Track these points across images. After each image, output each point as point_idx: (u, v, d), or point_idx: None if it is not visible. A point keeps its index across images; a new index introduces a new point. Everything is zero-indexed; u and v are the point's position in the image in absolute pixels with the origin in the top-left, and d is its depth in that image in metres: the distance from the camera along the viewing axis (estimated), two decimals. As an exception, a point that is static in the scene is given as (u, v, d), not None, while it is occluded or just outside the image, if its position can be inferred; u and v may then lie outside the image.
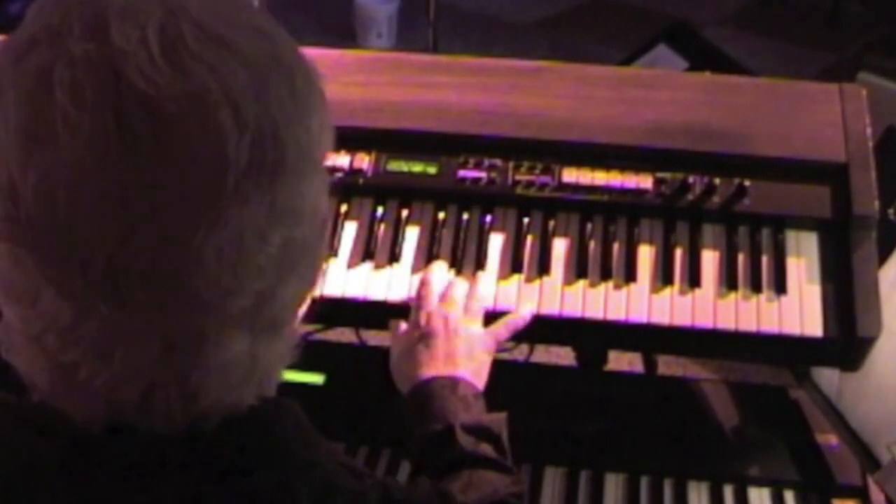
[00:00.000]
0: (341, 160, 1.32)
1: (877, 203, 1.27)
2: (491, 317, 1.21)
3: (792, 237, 1.29)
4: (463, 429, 1.01)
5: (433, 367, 1.10)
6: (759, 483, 1.30)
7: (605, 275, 1.26)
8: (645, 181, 1.30)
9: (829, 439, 1.35)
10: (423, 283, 1.22)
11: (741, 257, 1.27)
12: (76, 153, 0.56)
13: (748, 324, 1.22)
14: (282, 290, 0.64)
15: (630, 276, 1.26)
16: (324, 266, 0.72)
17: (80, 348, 0.60)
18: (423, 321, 1.16)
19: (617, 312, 1.23)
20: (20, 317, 0.62)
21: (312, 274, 0.69)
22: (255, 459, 0.67)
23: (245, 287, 0.61)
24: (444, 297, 1.19)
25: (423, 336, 1.14)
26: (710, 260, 1.27)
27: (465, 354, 1.12)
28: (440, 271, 1.24)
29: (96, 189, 0.56)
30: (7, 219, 0.58)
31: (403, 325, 1.20)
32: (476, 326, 1.18)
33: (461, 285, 1.21)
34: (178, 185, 0.57)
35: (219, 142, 0.57)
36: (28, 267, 0.59)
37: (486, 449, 1.01)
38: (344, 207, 1.32)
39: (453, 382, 1.08)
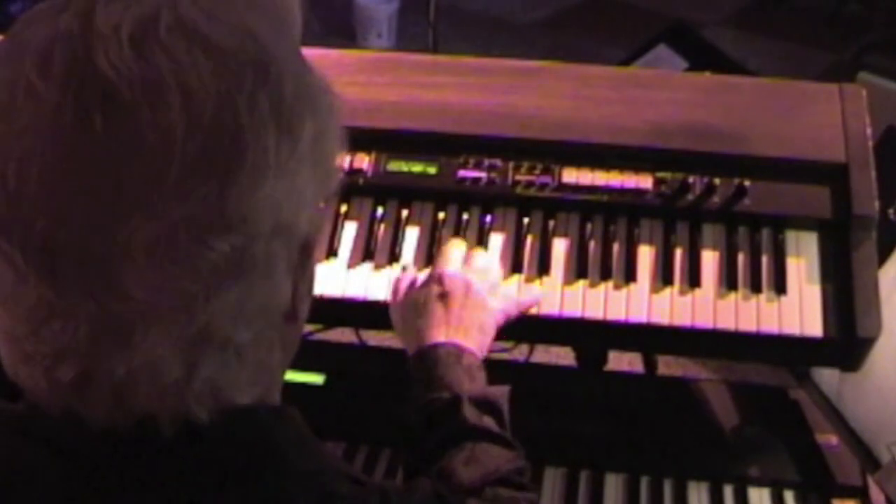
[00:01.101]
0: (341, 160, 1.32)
1: (877, 203, 1.27)
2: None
3: (792, 237, 1.29)
4: (469, 400, 1.01)
5: (442, 331, 1.09)
6: (759, 483, 1.30)
7: (605, 275, 1.26)
8: (645, 181, 1.30)
9: (829, 439, 1.35)
10: (449, 245, 1.20)
11: (741, 257, 1.27)
12: (32, 122, 0.57)
13: (748, 324, 1.22)
14: (218, 299, 0.61)
15: (630, 276, 1.26)
16: (306, 297, 0.71)
17: (17, 318, 0.61)
18: (446, 280, 1.14)
19: (617, 312, 1.23)
20: None
21: (268, 293, 0.65)
22: (253, 467, 0.66)
23: (173, 286, 0.59)
24: (468, 262, 1.18)
25: (442, 295, 1.12)
26: (710, 260, 1.27)
27: (476, 326, 1.11)
28: (461, 245, 1.23)
29: (44, 161, 0.57)
30: None
31: (408, 278, 1.19)
32: (493, 299, 1.16)
33: (483, 255, 1.20)
34: (118, 169, 0.57)
35: (166, 132, 0.57)
36: None
37: (489, 422, 1.01)
38: (344, 207, 1.32)
39: (459, 351, 1.07)
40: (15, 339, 0.62)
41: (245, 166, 0.59)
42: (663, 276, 1.26)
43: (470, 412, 1.00)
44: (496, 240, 1.29)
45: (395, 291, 1.19)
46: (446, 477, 0.94)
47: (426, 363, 1.07)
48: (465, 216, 1.31)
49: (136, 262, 0.58)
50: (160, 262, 0.58)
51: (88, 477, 0.64)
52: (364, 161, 1.32)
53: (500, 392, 1.05)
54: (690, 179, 1.30)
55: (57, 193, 0.57)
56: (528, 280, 1.26)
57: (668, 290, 1.25)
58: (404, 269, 1.23)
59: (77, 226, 0.57)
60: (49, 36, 0.59)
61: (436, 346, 1.08)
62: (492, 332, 1.14)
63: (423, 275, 1.19)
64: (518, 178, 1.31)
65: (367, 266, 1.28)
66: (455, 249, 1.20)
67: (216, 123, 0.58)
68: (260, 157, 0.60)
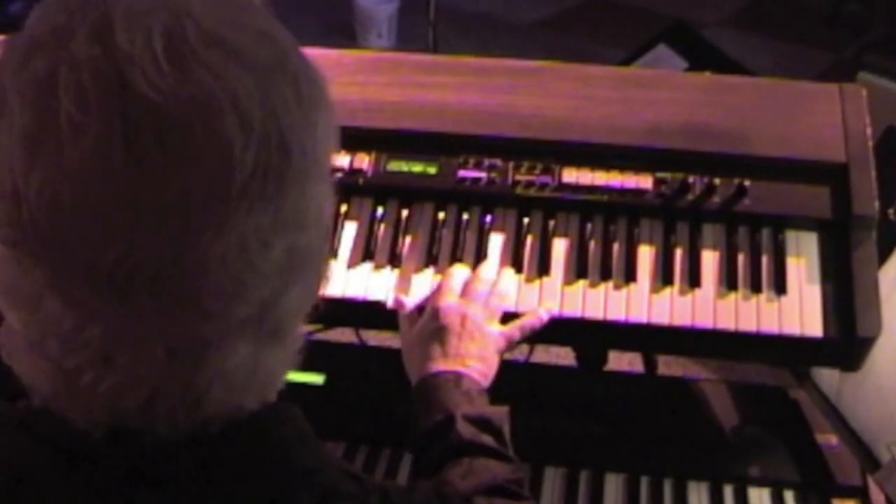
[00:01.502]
0: (341, 160, 1.32)
1: (877, 203, 1.27)
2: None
3: (792, 237, 1.29)
4: (464, 419, 1.02)
5: (441, 363, 1.10)
6: (759, 483, 1.30)
7: (605, 275, 1.26)
8: (645, 181, 1.30)
9: (829, 439, 1.35)
10: (447, 275, 1.21)
11: (741, 257, 1.27)
12: (80, 158, 0.56)
13: (748, 324, 1.22)
14: (285, 297, 0.63)
15: (630, 276, 1.26)
16: (328, 272, 0.72)
17: (83, 354, 0.60)
18: (441, 314, 1.15)
19: (617, 312, 1.23)
20: (23, 322, 0.62)
21: (316, 280, 0.69)
22: (257, 466, 0.67)
23: (248, 295, 0.61)
24: (465, 292, 1.19)
25: (438, 329, 1.13)
26: (710, 260, 1.27)
27: (475, 355, 1.12)
28: (463, 271, 1.24)
29: (101, 194, 0.56)
30: (10, 224, 0.57)
31: (410, 305, 1.21)
32: (492, 326, 1.17)
33: (484, 281, 1.21)
34: (182, 191, 0.56)
35: (224, 148, 0.57)
36: (32, 272, 0.58)
37: (487, 440, 1.01)
38: (344, 207, 1.32)
39: (457, 377, 1.08)
40: (66, 372, 0.61)
41: (293, 167, 0.61)
42: (663, 276, 1.26)
43: (465, 429, 1.01)
44: (496, 240, 1.29)
45: (403, 328, 1.21)
46: (443, 487, 0.95)
47: (425, 391, 1.08)
48: (465, 216, 1.31)
49: (212, 278, 0.58)
50: (234, 274, 0.59)
51: (91, 478, 0.64)
52: (364, 161, 1.33)
53: (499, 412, 1.06)
54: (690, 179, 1.30)
55: (118, 225, 0.56)
56: (529, 280, 1.26)
57: (668, 290, 1.25)
58: (400, 304, 1.22)
59: (146, 252, 0.57)
60: (71, 66, 0.56)
61: (435, 374, 1.09)
62: (494, 359, 1.15)
63: (426, 287, 1.20)
64: (518, 178, 1.31)
65: (367, 266, 1.28)
66: (455, 277, 1.21)
67: (264, 131, 0.59)
68: (300, 153, 0.61)
